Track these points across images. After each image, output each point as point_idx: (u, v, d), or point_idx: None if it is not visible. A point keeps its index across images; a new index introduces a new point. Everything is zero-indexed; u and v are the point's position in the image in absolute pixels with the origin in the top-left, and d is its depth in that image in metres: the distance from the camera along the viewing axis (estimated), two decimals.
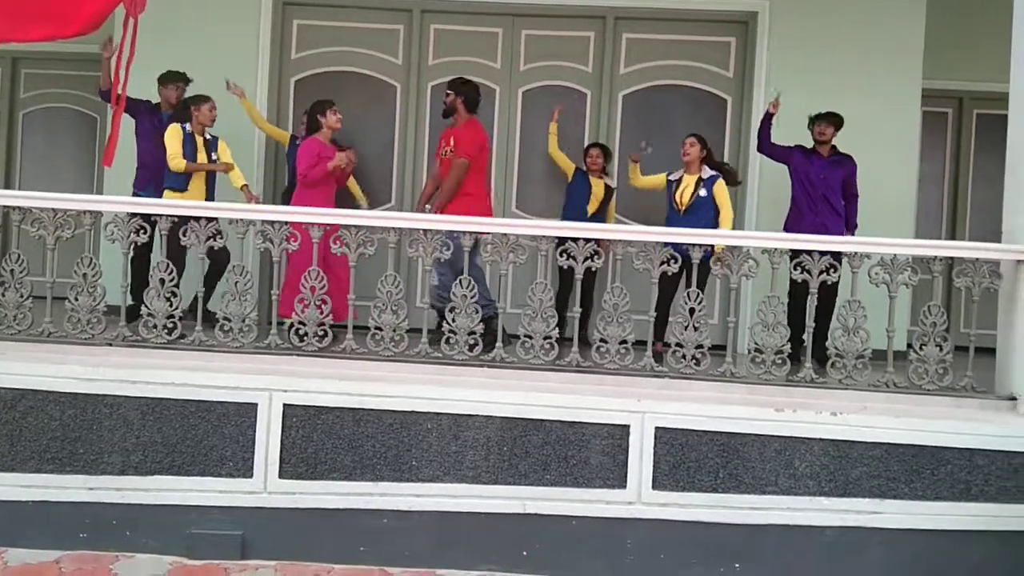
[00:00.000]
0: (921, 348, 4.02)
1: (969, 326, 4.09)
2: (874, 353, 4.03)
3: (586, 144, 6.07)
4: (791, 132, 5.57)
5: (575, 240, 4.12)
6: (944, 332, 4.03)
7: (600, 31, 6.25)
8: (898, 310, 4.12)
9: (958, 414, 3.89)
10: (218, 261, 4.73)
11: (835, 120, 5.42)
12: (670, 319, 4.26)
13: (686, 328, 4.07)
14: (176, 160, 5.10)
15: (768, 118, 5.41)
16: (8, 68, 7.37)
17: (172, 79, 5.53)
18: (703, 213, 5.18)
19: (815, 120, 5.46)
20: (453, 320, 4.09)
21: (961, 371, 4.01)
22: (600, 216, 5.84)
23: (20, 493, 3.84)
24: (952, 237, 6.98)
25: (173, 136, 5.15)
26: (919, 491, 3.75)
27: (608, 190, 5.89)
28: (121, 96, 4.48)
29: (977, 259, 3.98)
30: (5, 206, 4.17)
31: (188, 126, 5.22)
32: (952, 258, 4.08)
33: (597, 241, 4.26)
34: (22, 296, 4.12)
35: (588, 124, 6.28)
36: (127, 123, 5.41)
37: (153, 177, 5.37)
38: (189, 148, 5.19)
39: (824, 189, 5.34)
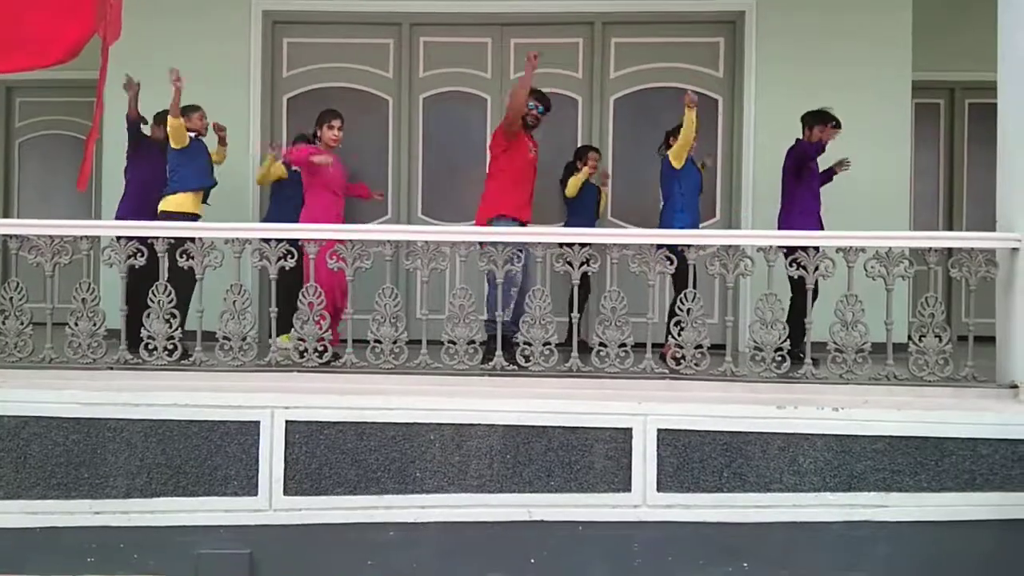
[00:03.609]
0: (921, 340, 4.01)
1: (968, 316, 4.08)
2: (874, 346, 4.03)
3: (579, 145, 6.08)
4: (781, 128, 5.58)
5: (571, 245, 4.13)
6: (943, 323, 4.02)
7: (589, 37, 6.28)
8: (896, 302, 4.13)
9: (960, 404, 3.88)
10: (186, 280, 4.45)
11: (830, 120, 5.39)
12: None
13: (684, 328, 4.08)
14: (175, 120, 4.99)
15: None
16: (3, 97, 7.44)
17: (163, 120, 5.40)
18: (669, 185, 5.26)
19: (815, 122, 5.36)
20: (452, 330, 4.10)
21: (962, 361, 4.01)
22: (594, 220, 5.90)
23: (27, 520, 3.85)
24: (949, 226, 6.99)
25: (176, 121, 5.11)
26: (924, 483, 3.75)
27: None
28: (95, 121, 4.48)
29: (972, 248, 3.98)
30: (4, 235, 4.19)
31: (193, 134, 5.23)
32: (949, 248, 4.08)
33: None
34: (23, 324, 4.14)
35: (580, 130, 6.30)
36: (115, 151, 5.47)
37: (143, 206, 5.33)
38: (201, 153, 5.24)
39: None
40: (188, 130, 5.18)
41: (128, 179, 5.57)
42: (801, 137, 5.42)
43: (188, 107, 5.25)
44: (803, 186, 5.31)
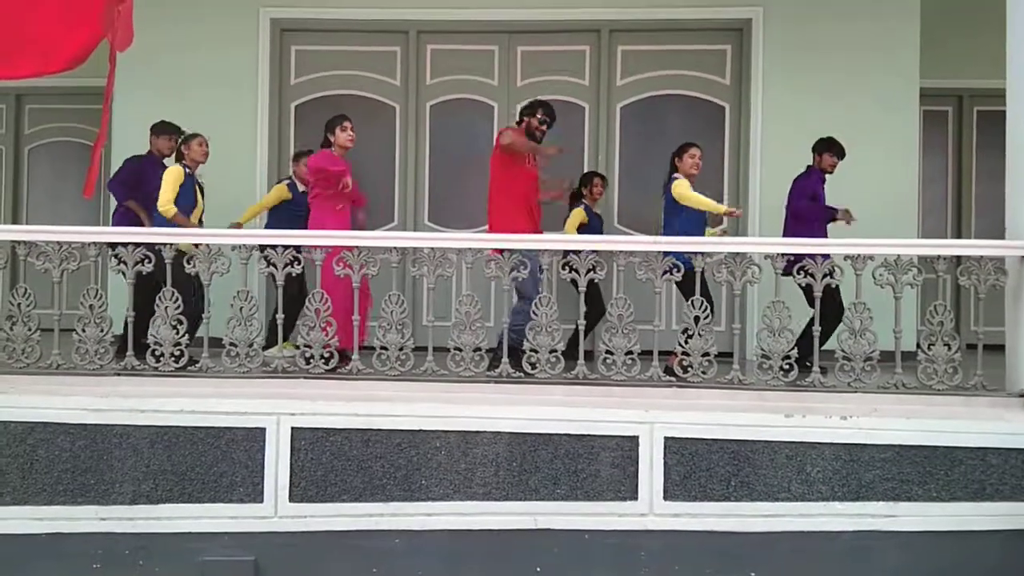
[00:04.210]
0: (929, 348, 3.99)
1: (977, 324, 4.06)
2: (882, 355, 4.01)
3: (586, 171, 6.06)
4: (788, 136, 5.57)
5: (577, 253, 4.13)
6: (952, 331, 3.99)
7: (595, 44, 6.28)
8: (905, 310, 4.10)
9: (969, 413, 3.85)
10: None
11: (843, 153, 5.40)
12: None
13: (691, 336, 4.07)
14: (167, 207, 4.79)
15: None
16: (12, 104, 7.49)
17: (165, 130, 5.32)
18: (672, 218, 5.11)
19: (826, 149, 5.36)
20: (458, 337, 4.10)
21: (971, 370, 3.98)
22: None
23: (33, 526, 3.85)
24: (958, 234, 6.97)
25: (171, 179, 4.86)
26: (933, 492, 3.72)
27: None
28: (101, 129, 4.48)
29: (981, 256, 3.96)
30: (12, 241, 4.21)
31: (188, 168, 5.01)
32: (958, 256, 4.06)
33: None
34: (30, 330, 4.15)
35: (587, 137, 6.30)
36: (123, 158, 5.47)
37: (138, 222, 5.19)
38: (189, 191, 4.97)
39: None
40: (185, 163, 4.99)
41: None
42: (812, 164, 5.39)
43: (189, 136, 5.08)
44: (814, 212, 5.30)
